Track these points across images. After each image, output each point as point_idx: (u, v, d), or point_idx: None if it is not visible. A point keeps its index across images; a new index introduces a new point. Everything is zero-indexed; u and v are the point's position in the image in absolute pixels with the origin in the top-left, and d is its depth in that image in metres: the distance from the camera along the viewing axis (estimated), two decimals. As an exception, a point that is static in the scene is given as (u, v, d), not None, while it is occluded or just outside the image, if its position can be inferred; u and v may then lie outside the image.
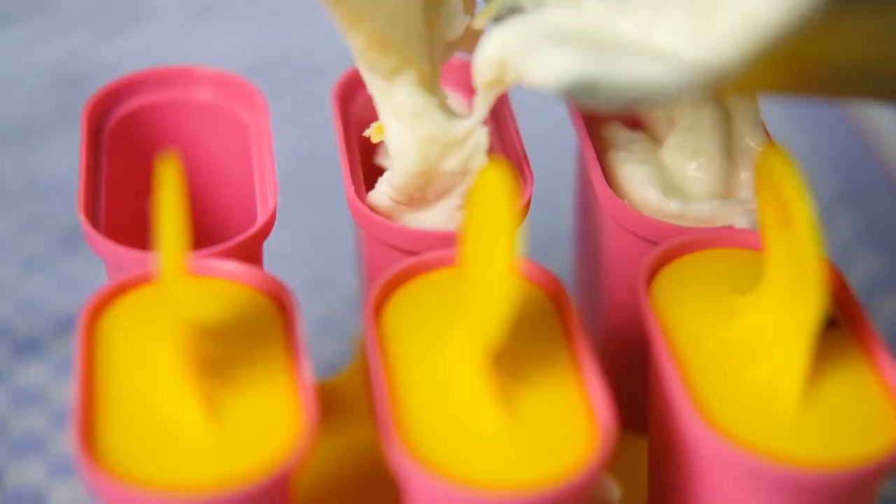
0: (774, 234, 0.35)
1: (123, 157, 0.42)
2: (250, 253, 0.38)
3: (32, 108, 0.62)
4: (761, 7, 0.30)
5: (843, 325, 0.36)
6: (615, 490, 0.42)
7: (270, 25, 0.66)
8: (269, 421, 0.33)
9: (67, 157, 0.59)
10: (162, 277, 0.33)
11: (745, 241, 0.38)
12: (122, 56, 0.64)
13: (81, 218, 0.38)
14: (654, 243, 0.38)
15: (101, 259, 0.39)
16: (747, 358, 0.35)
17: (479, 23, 0.39)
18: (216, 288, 0.36)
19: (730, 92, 0.37)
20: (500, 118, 0.42)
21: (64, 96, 0.62)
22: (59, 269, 0.55)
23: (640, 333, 0.37)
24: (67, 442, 0.48)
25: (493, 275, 0.32)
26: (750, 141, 0.40)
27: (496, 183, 0.32)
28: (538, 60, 0.32)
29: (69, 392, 0.50)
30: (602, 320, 0.43)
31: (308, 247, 0.56)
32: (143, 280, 0.36)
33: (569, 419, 0.34)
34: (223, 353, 0.35)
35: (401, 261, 0.37)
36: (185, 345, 0.33)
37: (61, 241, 0.56)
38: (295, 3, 0.68)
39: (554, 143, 0.56)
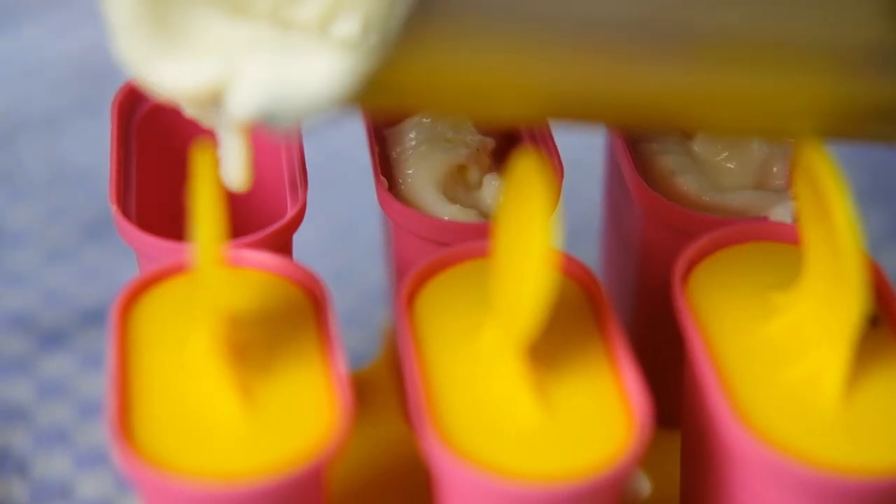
0: (813, 230, 0.34)
1: (153, 148, 0.42)
2: (281, 244, 0.38)
3: (54, 100, 0.62)
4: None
5: (885, 324, 0.35)
6: (646, 484, 0.42)
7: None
8: (305, 410, 0.33)
9: (90, 148, 0.59)
10: (198, 266, 0.33)
11: (783, 235, 0.37)
12: (144, 48, 0.64)
13: (113, 208, 0.38)
14: (688, 234, 0.38)
15: (129, 249, 0.38)
16: (786, 357, 0.34)
17: None
18: (249, 278, 0.36)
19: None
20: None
21: (85, 88, 0.62)
22: (82, 260, 0.54)
23: (674, 329, 0.36)
24: (94, 433, 0.48)
25: (527, 265, 0.32)
26: (782, 133, 0.40)
27: (531, 173, 0.32)
28: None
29: (95, 383, 0.49)
30: (633, 314, 0.43)
31: (333, 238, 0.56)
32: (176, 270, 0.36)
33: (604, 411, 0.33)
34: (257, 342, 0.35)
35: (431, 252, 0.37)
36: (220, 333, 0.33)
37: (85, 232, 0.56)
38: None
39: (578, 134, 0.56)
